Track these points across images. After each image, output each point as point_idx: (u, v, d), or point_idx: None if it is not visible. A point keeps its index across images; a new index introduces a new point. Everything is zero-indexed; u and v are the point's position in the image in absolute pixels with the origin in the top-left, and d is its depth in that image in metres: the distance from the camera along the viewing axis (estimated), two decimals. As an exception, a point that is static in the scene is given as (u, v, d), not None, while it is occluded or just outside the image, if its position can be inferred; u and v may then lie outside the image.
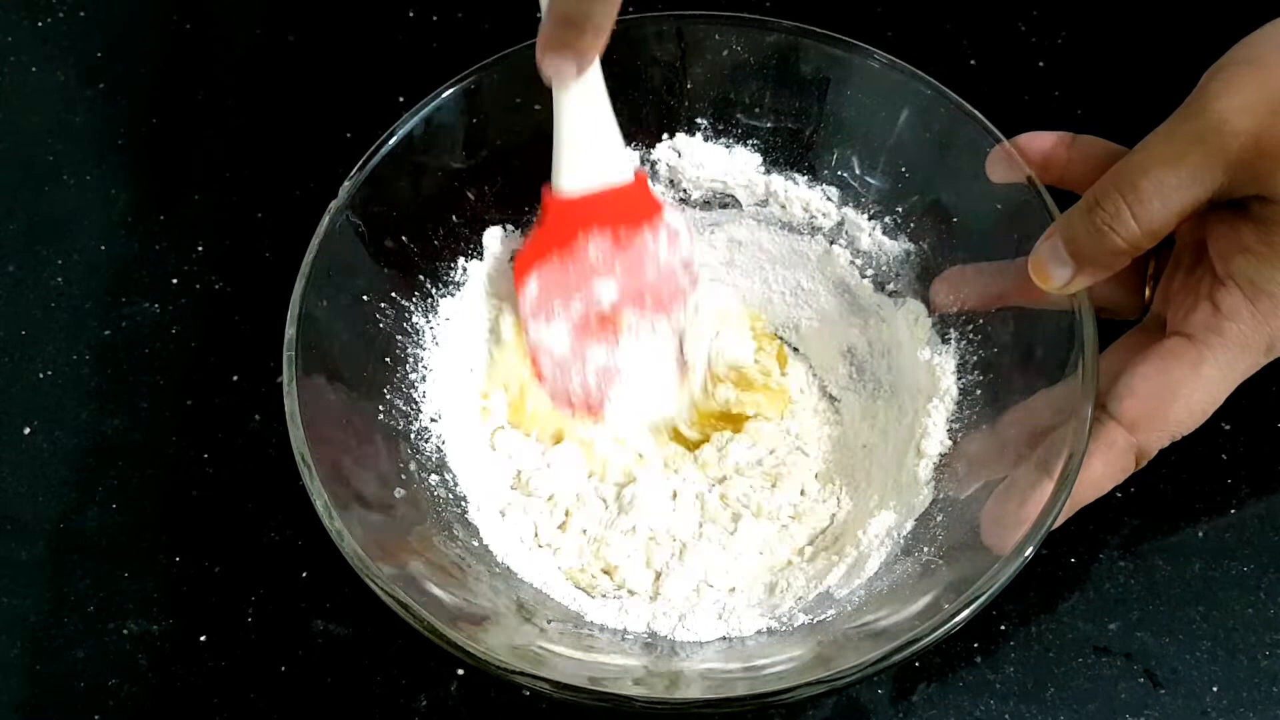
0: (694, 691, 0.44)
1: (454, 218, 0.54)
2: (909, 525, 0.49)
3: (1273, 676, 0.50)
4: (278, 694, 0.50)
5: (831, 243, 0.56)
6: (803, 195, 0.56)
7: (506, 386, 0.54)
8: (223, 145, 0.65)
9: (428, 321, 0.53)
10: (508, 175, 0.55)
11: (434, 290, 0.54)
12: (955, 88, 0.52)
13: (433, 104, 0.52)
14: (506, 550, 0.50)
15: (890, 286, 0.55)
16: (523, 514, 0.52)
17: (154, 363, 0.58)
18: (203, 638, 0.51)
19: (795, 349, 0.58)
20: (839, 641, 0.45)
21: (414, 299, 0.53)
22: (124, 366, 0.58)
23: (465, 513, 0.50)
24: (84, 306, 0.60)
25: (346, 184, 0.50)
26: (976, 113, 0.51)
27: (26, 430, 0.56)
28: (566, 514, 0.52)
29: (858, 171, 0.55)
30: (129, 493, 0.55)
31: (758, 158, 0.56)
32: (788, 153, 0.56)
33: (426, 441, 0.51)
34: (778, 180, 0.56)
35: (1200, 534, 0.53)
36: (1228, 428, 0.54)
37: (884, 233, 0.55)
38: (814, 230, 0.57)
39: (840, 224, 0.56)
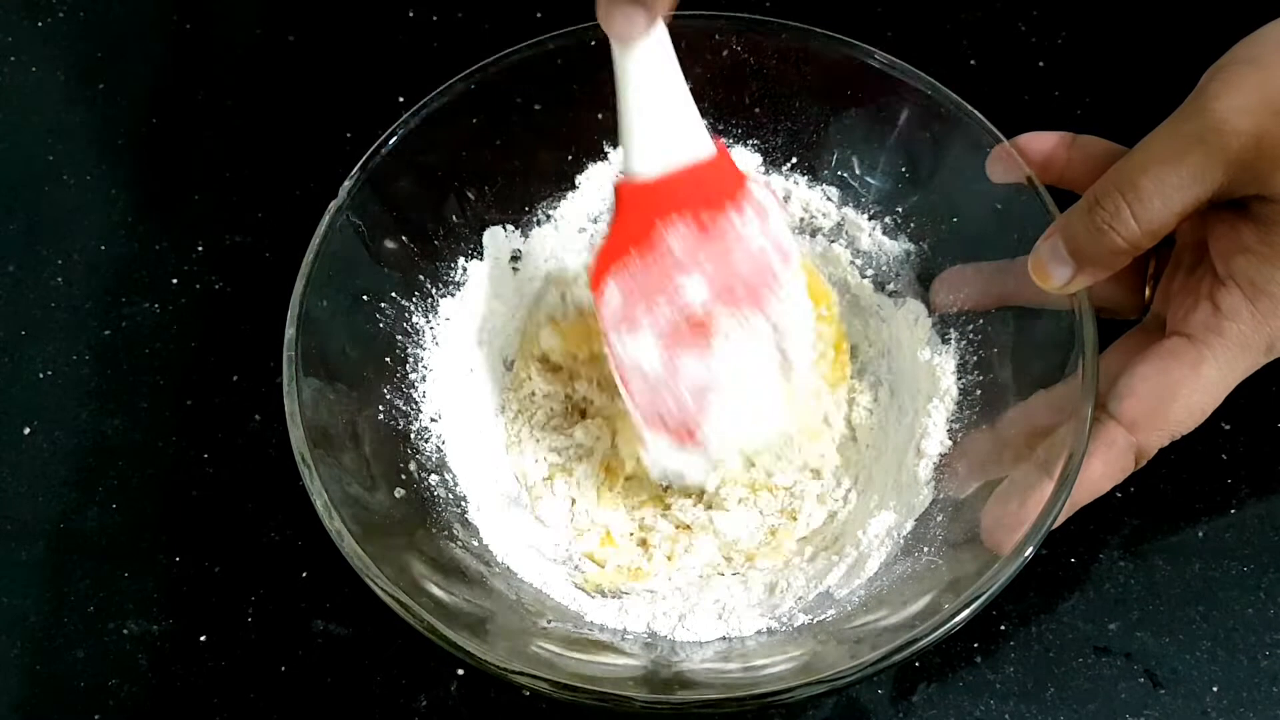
0: (694, 692, 0.44)
1: (454, 218, 0.54)
2: (909, 525, 0.49)
3: (1273, 676, 0.50)
4: (278, 694, 0.50)
5: (831, 243, 0.56)
6: (803, 195, 0.56)
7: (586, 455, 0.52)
8: (223, 145, 0.65)
9: (428, 321, 0.53)
10: (508, 175, 0.55)
11: (434, 290, 0.54)
12: (955, 88, 0.52)
13: (433, 104, 0.52)
14: (506, 550, 0.50)
15: (890, 286, 0.55)
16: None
17: (154, 363, 0.58)
18: (203, 638, 0.51)
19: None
20: (839, 641, 0.45)
21: (414, 299, 0.53)
22: (124, 366, 0.58)
23: (465, 513, 0.50)
24: (84, 306, 0.60)
25: (346, 184, 0.50)
26: (976, 113, 0.51)
27: (26, 430, 0.56)
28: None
29: (858, 171, 0.55)
30: (129, 493, 0.55)
31: (758, 158, 0.56)
32: (788, 153, 0.56)
33: (426, 441, 0.51)
34: (778, 180, 0.56)
35: (1200, 534, 0.53)
36: (1228, 428, 0.54)
37: (884, 233, 0.55)
38: (814, 230, 0.57)
39: (840, 224, 0.56)
